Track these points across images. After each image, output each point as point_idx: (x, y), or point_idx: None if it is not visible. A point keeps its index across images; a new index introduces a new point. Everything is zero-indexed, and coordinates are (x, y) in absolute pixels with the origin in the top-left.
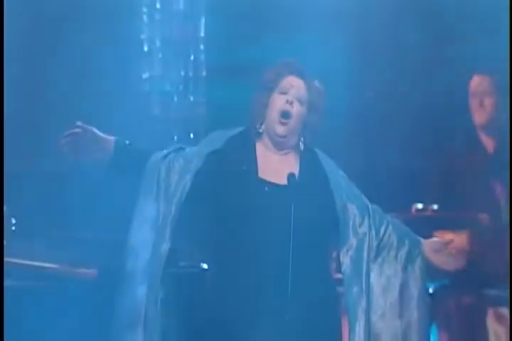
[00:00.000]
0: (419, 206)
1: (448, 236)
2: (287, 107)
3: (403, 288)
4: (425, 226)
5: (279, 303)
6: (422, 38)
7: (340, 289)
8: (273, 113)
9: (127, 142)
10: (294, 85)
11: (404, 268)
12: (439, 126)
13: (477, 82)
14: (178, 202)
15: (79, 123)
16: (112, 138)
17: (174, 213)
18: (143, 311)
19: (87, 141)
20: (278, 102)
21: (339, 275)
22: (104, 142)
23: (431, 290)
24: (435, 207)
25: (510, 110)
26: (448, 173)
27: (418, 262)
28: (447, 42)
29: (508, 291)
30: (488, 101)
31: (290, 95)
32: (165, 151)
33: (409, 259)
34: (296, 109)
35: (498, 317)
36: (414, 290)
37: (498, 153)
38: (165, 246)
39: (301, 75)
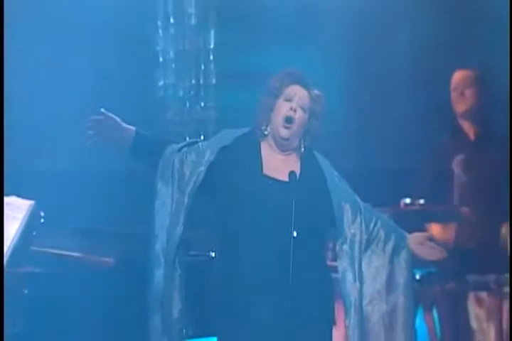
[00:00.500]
0: (408, 200)
1: (434, 228)
2: (291, 113)
3: (390, 276)
4: (413, 218)
5: (281, 286)
6: (412, 48)
7: (334, 275)
8: (278, 117)
9: (146, 133)
10: (298, 94)
11: (391, 260)
12: (424, 126)
13: (458, 77)
14: (191, 192)
15: (103, 110)
16: (132, 127)
17: (187, 202)
18: (160, 298)
19: (110, 127)
20: (283, 108)
21: (333, 263)
22: (125, 130)
23: (418, 277)
24: (422, 201)
25: (511, 110)
26: (433, 171)
27: (403, 254)
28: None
29: (509, 290)
30: (468, 92)
31: (294, 103)
32: (179, 144)
33: (395, 251)
34: (298, 115)
35: (478, 301)
36: (399, 278)
37: (479, 140)
38: (178, 232)
39: (304, 85)
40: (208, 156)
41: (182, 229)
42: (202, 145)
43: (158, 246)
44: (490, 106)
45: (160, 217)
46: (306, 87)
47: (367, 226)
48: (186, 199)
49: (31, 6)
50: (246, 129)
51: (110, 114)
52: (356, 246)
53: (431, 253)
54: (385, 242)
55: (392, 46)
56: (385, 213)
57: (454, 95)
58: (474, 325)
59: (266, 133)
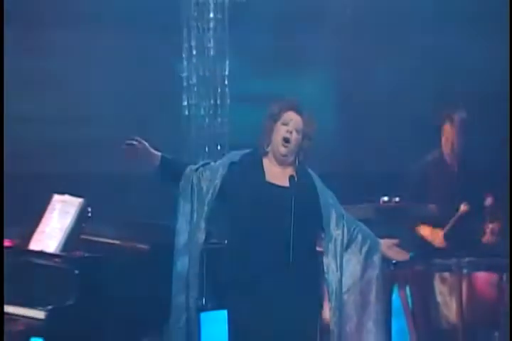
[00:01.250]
0: (385, 198)
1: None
2: (288, 135)
3: (364, 272)
4: (390, 213)
5: (282, 267)
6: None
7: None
8: (277, 138)
9: (170, 157)
10: (293, 119)
11: (365, 258)
12: (404, 136)
13: (448, 128)
14: (210, 200)
15: (137, 137)
16: (159, 153)
17: (207, 210)
18: (185, 278)
19: (141, 151)
20: (281, 131)
21: (321, 249)
22: (153, 155)
23: (394, 262)
24: (397, 199)
25: (511, 110)
26: (406, 175)
27: (377, 255)
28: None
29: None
30: (453, 140)
31: (290, 126)
32: (196, 166)
33: (369, 252)
34: (294, 137)
35: (442, 280)
36: (372, 274)
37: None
38: (200, 235)
39: (298, 111)
40: (221, 171)
41: (204, 234)
42: (214, 164)
43: (181, 239)
44: (470, 150)
45: (182, 221)
46: (299, 112)
47: (348, 230)
48: (206, 208)
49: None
50: (248, 150)
51: (142, 140)
52: (339, 245)
53: (397, 255)
54: (362, 244)
55: (377, 88)
56: (367, 208)
57: (444, 140)
58: (439, 299)
59: (267, 150)
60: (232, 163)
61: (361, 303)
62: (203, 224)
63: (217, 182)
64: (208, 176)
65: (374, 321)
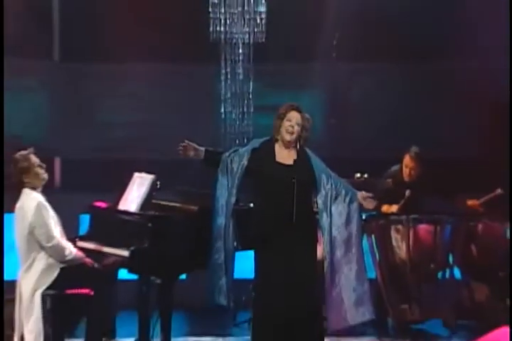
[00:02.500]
0: (358, 175)
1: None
2: (291, 128)
3: (347, 216)
4: (361, 185)
5: (290, 221)
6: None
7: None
8: (284, 130)
9: (210, 149)
10: (295, 116)
11: (348, 206)
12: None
13: (408, 160)
14: (239, 176)
15: (186, 141)
16: (203, 148)
17: (237, 183)
18: (223, 229)
19: (191, 149)
20: (286, 125)
21: (316, 210)
22: (199, 150)
23: (364, 217)
24: (366, 175)
25: (511, 110)
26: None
27: (355, 204)
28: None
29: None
30: (413, 172)
31: (292, 122)
32: (228, 152)
33: (350, 201)
34: (295, 129)
35: (396, 230)
36: (353, 217)
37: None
38: (233, 199)
39: (298, 110)
40: (246, 155)
41: (235, 198)
42: (241, 150)
43: (220, 203)
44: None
45: (220, 190)
46: (299, 111)
47: (335, 186)
48: (236, 181)
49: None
50: (267, 138)
51: (191, 143)
52: (328, 198)
53: (368, 204)
54: (345, 196)
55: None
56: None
57: (405, 170)
58: (394, 243)
59: (278, 138)
60: (253, 149)
61: (346, 237)
62: (234, 193)
63: (243, 163)
64: (237, 159)
65: (357, 246)
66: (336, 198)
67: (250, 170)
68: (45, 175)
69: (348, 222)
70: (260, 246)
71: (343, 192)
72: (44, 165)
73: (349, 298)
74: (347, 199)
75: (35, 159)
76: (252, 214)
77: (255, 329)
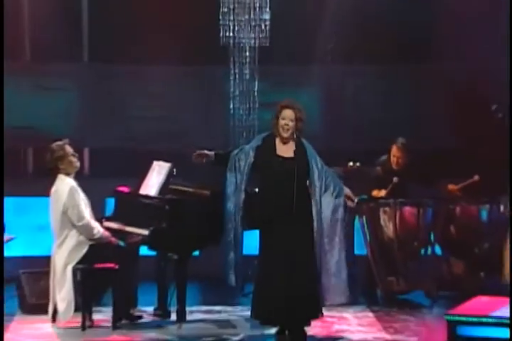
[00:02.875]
0: (351, 164)
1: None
2: (286, 126)
3: (334, 208)
4: (353, 173)
5: (290, 205)
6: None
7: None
8: (280, 128)
9: (220, 152)
10: (287, 114)
11: (335, 199)
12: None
13: (395, 150)
14: (246, 172)
15: (197, 150)
16: (212, 152)
17: (245, 178)
18: (232, 214)
19: (203, 156)
20: (282, 123)
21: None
22: (210, 155)
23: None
24: (358, 164)
25: (510, 110)
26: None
27: (341, 198)
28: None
29: (509, 289)
30: (400, 161)
31: (286, 120)
32: (235, 151)
33: (337, 196)
34: (290, 125)
35: (384, 211)
36: (339, 210)
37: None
38: (242, 195)
39: (290, 107)
40: (251, 152)
41: (244, 194)
42: (246, 148)
43: (230, 189)
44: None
45: (230, 188)
46: (291, 108)
47: (325, 180)
48: (244, 177)
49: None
50: (268, 133)
51: (202, 151)
52: (318, 190)
53: (349, 202)
54: (333, 190)
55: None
56: (339, 169)
57: (392, 159)
58: (382, 223)
59: (276, 134)
60: (257, 146)
61: (331, 227)
62: (242, 188)
63: (250, 160)
64: (243, 157)
65: (339, 236)
66: (325, 191)
67: (256, 165)
68: (78, 163)
69: (333, 213)
70: (264, 226)
71: (332, 186)
72: (76, 155)
73: (328, 282)
74: (334, 193)
75: (69, 149)
76: (257, 199)
77: (256, 296)
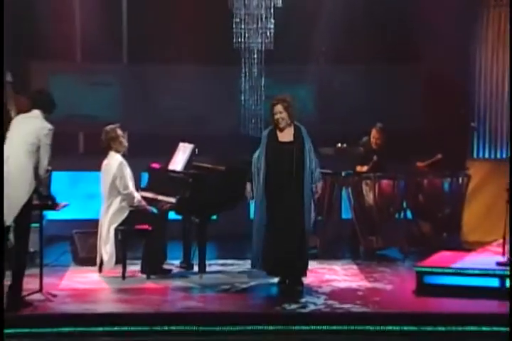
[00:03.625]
0: (339, 145)
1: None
2: (280, 120)
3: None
4: (340, 153)
5: (290, 181)
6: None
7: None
8: (275, 122)
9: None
10: (277, 110)
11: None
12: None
13: (374, 132)
14: (263, 161)
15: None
16: (249, 184)
17: (262, 177)
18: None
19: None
20: (275, 118)
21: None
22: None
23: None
24: (344, 145)
25: (510, 109)
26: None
27: (321, 182)
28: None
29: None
30: (378, 141)
31: (277, 115)
32: (255, 155)
33: (315, 181)
34: (282, 116)
35: (366, 183)
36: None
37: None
38: (262, 175)
39: (281, 103)
40: (262, 146)
41: (264, 174)
42: (258, 152)
43: (253, 169)
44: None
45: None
46: (279, 103)
47: (315, 164)
48: (262, 176)
49: None
50: (271, 127)
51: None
52: (308, 171)
53: (318, 190)
54: (312, 177)
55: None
56: (329, 149)
57: (372, 140)
58: (365, 193)
59: (274, 126)
60: (264, 137)
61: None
62: (263, 171)
63: (262, 151)
64: (255, 160)
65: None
66: (310, 173)
67: (267, 147)
68: (126, 143)
69: (308, 195)
70: (269, 194)
71: (314, 175)
72: (125, 136)
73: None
74: (312, 180)
75: (120, 131)
76: (263, 176)
77: (263, 251)
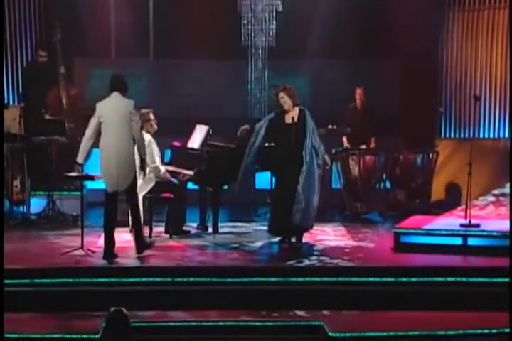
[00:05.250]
0: (330, 126)
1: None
2: (283, 104)
3: (317, 164)
4: (331, 133)
5: (294, 152)
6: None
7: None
8: (280, 105)
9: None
10: (281, 96)
11: (317, 158)
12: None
13: (357, 90)
14: (262, 135)
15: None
16: (246, 126)
17: (260, 139)
18: (250, 159)
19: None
20: (280, 103)
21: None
22: (247, 128)
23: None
24: (335, 126)
25: (511, 108)
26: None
27: (321, 157)
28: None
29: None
30: (362, 97)
31: (281, 100)
32: (257, 124)
33: (320, 157)
34: (285, 101)
35: (352, 158)
36: (319, 166)
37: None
38: (257, 144)
39: (281, 91)
40: (266, 123)
41: (261, 143)
42: (263, 121)
43: (249, 144)
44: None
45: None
46: (282, 91)
47: (317, 143)
48: (259, 138)
49: None
50: (275, 111)
51: (247, 127)
52: (308, 150)
53: (327, 160)
54: (316, 154)
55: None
56: (322, 130)
57: (357, 97)
58: (351, 167)
59: (281, 111)
60: (270, 119)
61: (310, 175)
62: (257, 143)
63: (264, 127)
64: (257, 127)
65: (318, 175)
66: (315, 152)
67: (271, 130)
68: (156, 127)
69: (314, 166)
70: (276, 168)
71: (317, 148)
72: (156, 120)
73: (299, 209)
74: (316, 154)
75: (151, 115)
76: (272, 151)
77: (271, 216)
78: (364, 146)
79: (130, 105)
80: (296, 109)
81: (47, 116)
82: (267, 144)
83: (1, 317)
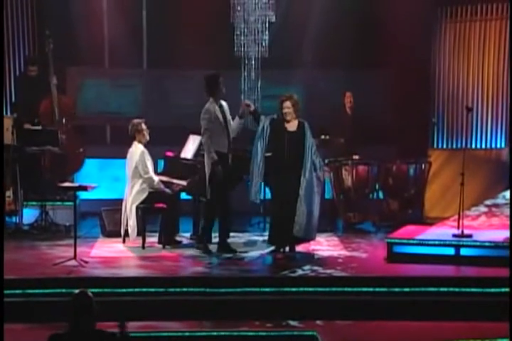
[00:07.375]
0: (323, 136)
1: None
2: (287, 113)
3: (317, 177)
4: (324, 143)
5: (294, 161)
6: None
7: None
8: (283, 114)
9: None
10: (286, 105)
11: (316, 171)
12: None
13: (346, 94)
14: (265, 141)
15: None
16: (253, 107)
17: (264, 149)
18: (259, 163)
19: (250, 106)
20: (284, 112)
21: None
22: (253, 107)
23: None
24: (328, 137)
25: (511, 108)
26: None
27: (321, 171)
28: None
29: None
30: (351, 100)
31: (285, 109)
32: (262, 124)
33: (319, 169)
34: (290, 111)
35: (345, 168)
36: (320, 174)
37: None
38: (260, 155)
39: (288, 100)
40: (265, 121)
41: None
42: (264, 124)
43: (255, 149)
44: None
45: (257, 145)
46: (288, 100)
47: (316, 156)
48: (263, 143)
49: None
50: (271, 116)
51: (252, 105)
52: (310, 161)
53: (326, 173)
54: (314, 165)
55: None
56: (315, 140)
57: (346, 101)
58: (344, 177)
59: (282, 118)
60: (272, 119)
61: (310, 188)
62: (263, 148)
63: (265, 138)
64: (259, 131)
65: (318, 187)
66: (312, 164)
67: (272, 137)
68: (148, 137)
69: (316, 176)
70: (272, 178)
71: (318, 162)
72: (148, 130)
73: (301, 221)
74: (318, 165)
75: (144, 126)
76: (272, 161)
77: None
78: (357, 157)
79: None
80: (296, 121)
81: (39, 127)
82: (266, 154)
83: (1, 318)
